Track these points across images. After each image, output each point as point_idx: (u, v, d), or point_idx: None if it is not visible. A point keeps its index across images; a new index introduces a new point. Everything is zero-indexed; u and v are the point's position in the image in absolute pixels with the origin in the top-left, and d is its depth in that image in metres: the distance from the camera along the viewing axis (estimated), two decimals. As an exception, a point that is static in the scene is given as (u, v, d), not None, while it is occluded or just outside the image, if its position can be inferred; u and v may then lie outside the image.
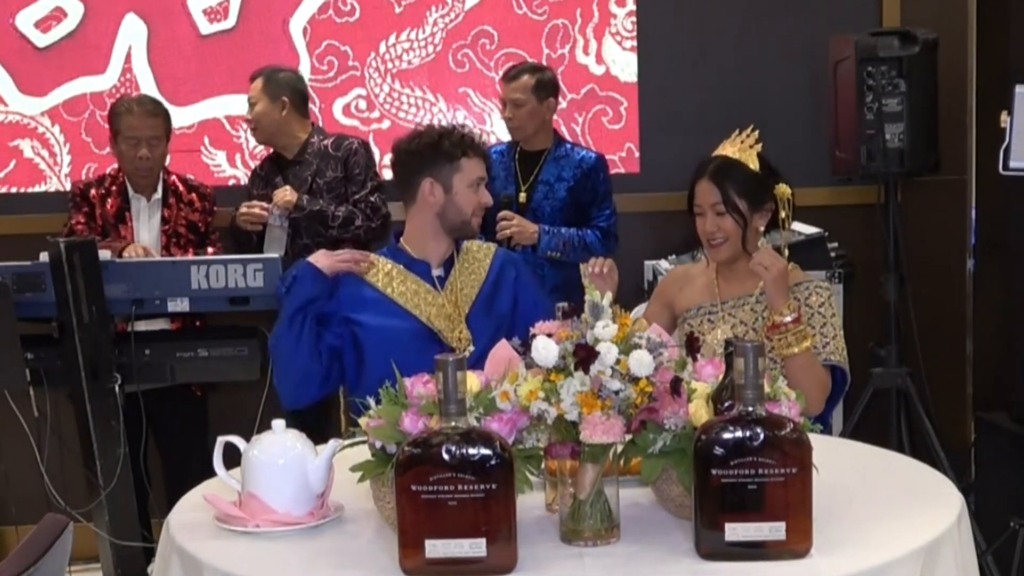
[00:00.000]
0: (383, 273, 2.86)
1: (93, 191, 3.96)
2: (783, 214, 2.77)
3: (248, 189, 4.19)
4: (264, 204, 3.94)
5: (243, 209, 3.94)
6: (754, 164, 2.77)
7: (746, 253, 2.77)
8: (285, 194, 3.90)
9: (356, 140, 4.09)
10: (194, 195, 4.02)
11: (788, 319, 2.63)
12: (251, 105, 4.04)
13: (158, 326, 3.59)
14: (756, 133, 2.80)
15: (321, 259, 2.80)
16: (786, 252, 2.78)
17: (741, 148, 2.80)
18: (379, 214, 3.97)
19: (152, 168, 3.92)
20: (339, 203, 3.95)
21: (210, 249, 3.95)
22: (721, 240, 2.77)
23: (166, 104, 4.07)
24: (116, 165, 4.03)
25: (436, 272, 2.88)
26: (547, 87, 4.04)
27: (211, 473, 2.12)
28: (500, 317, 2.86)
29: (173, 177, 4.03)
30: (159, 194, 3.96)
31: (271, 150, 4.16)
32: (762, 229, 2.80)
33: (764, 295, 2.74)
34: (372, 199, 3.97)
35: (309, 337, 2.74)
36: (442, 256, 2.90)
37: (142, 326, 3.20)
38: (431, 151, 2.83)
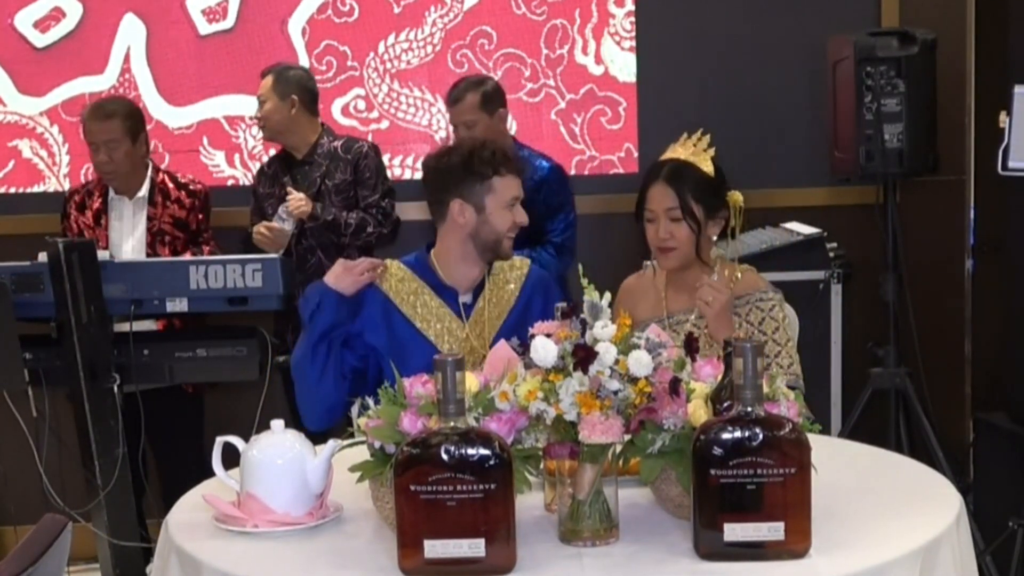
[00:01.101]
0: (410, 292, 2.74)
1: (76, 197, 3.98)
2: (733, 223, 2.67)
3: (254, 187, 4.16)
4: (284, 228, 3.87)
5: (262, 230, 3.85)
6: (708, 168, 2.66)
7: (700, 261, 2.68)
8: (301, 203, 3.83)
9: (366, 143, 4.06)
10: (183, 192, 3.98)
11: None
12: (260, 103, 4.01)
13: (145, 327, 3.58)
14: (708, 137, 2.69)
15: (342, 279, 2.65)
16: (736, 263, 2.70)
17: (695, 152, 2.68)
18: (390, 220, 3.95)
19: (115, 171, 3.87)
20: (348, 207, 3.92)
21: (205, 248, 3.94)
22: (672, 247, 2.67)
23: (165, 103, 4.07)
24: None
25: (463, 299, 2.75)
26: (494, 99, 3.94)
27: (207, 473, 2.12)
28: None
29: (163, 176, 3.98)
30: (143, 192, 3.93)
31: (279, 148, 4.12)
32: (715, 238, 2.69)
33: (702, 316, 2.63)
34: (383, 204, 3.94)
35: (335, 366, 2.64)
36: (472, 282, 2.76)
37: (137, 326, 3.19)
38: (461, 170, 2.65)
